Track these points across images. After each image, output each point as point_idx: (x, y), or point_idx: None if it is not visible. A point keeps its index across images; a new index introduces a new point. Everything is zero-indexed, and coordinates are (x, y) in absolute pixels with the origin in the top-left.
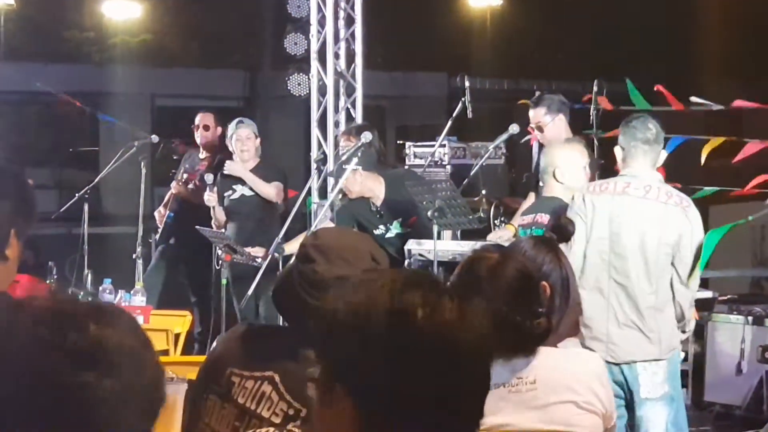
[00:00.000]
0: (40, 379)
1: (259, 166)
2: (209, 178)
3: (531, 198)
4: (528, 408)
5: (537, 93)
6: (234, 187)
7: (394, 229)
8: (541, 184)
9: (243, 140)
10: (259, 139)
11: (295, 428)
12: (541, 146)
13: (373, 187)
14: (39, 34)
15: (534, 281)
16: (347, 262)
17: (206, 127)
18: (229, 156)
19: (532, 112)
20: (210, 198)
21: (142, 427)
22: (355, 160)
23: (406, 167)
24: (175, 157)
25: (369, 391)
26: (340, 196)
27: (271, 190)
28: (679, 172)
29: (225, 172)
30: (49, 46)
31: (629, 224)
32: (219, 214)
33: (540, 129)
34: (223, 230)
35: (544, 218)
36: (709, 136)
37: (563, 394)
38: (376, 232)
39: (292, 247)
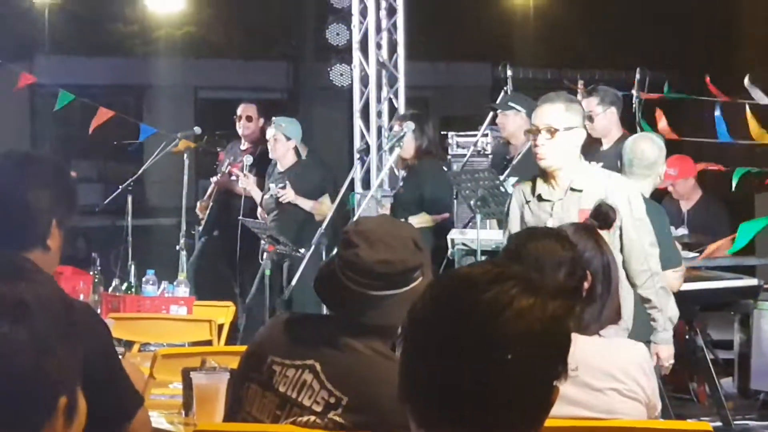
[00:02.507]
0: None
1: (294, 167)
2: (248, 159)
3: None
4: (569, 396)
5: (580, 82)
6: (271, 185)
7: None
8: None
9: (270, 140)
10: (292, 141)
11: (336, 416)
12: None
13: None
14: (83, 28)
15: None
16: (389, 247)
17: (249, 118)
18: None
19: (584, 102)
20: (244, 182)
21: (71, 363)
22: (397, 150)
23: (449, 157)
24: (218, 150)
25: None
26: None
27: (306, 205)
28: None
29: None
30: (92, 40)
31: None
32: (255, 196)
33: (590, 119)
34: (265, 221)
35: None
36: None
37: (606, 381)
38: None
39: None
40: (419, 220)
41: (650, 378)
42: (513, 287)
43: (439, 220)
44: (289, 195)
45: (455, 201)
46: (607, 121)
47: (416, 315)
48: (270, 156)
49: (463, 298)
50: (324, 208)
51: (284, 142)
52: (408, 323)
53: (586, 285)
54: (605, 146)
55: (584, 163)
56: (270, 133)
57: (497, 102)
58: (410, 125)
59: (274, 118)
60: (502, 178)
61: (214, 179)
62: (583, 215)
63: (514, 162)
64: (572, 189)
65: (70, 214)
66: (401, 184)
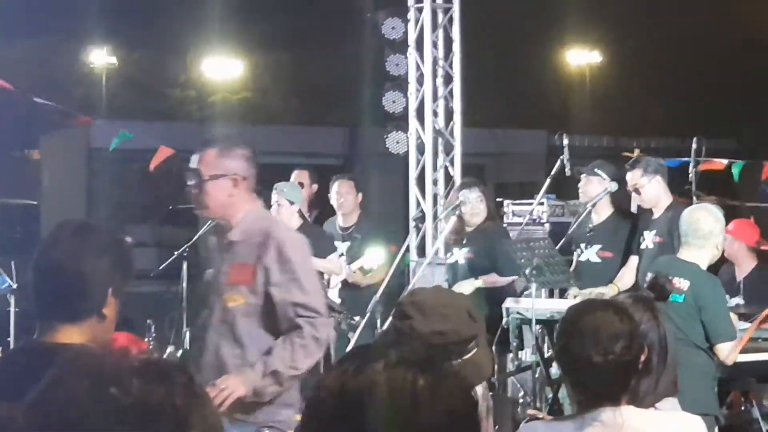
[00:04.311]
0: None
1: (360, 221)
2: None
3: (632, 261)
4: None
5: (636, 150)
6: None
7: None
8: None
9: (342, 194)
10: (295, 205)
11: None
12: (638, 206)
13: None
14: (140, 93)
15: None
16: (444, 318)
17: (300, 185)
18: (328, 212)
19: (629, 175)
20: None
21: None
22: (453, 218)
23: (505, 225)
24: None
25: None
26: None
27: (328, 266)
28: None
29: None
30: (150, 104)
31: None
32: None
33: (637, 191)
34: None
35: (684, 284)
36: None
37: None
38: None
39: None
40: (491, 280)
41: None
42: (406, 372)
43: (502, 283)
44: None
45: None
46: (654, 190)
47: None
48: (340, 210)
49: (356, 412)
50: (332, 266)
51: (288, 206)
52: None
53: (642, 357)
54: (656, 215)
55: (255, 209)
56: (343, 187)
57: (586, 167)
58: (466, 194)
59: (276, 184)
60: (583, 246)
61: None
62: (234, 269)
63: (592, 227)
64: (229, 240)
65: (126, 282)
66: (468, 250)
